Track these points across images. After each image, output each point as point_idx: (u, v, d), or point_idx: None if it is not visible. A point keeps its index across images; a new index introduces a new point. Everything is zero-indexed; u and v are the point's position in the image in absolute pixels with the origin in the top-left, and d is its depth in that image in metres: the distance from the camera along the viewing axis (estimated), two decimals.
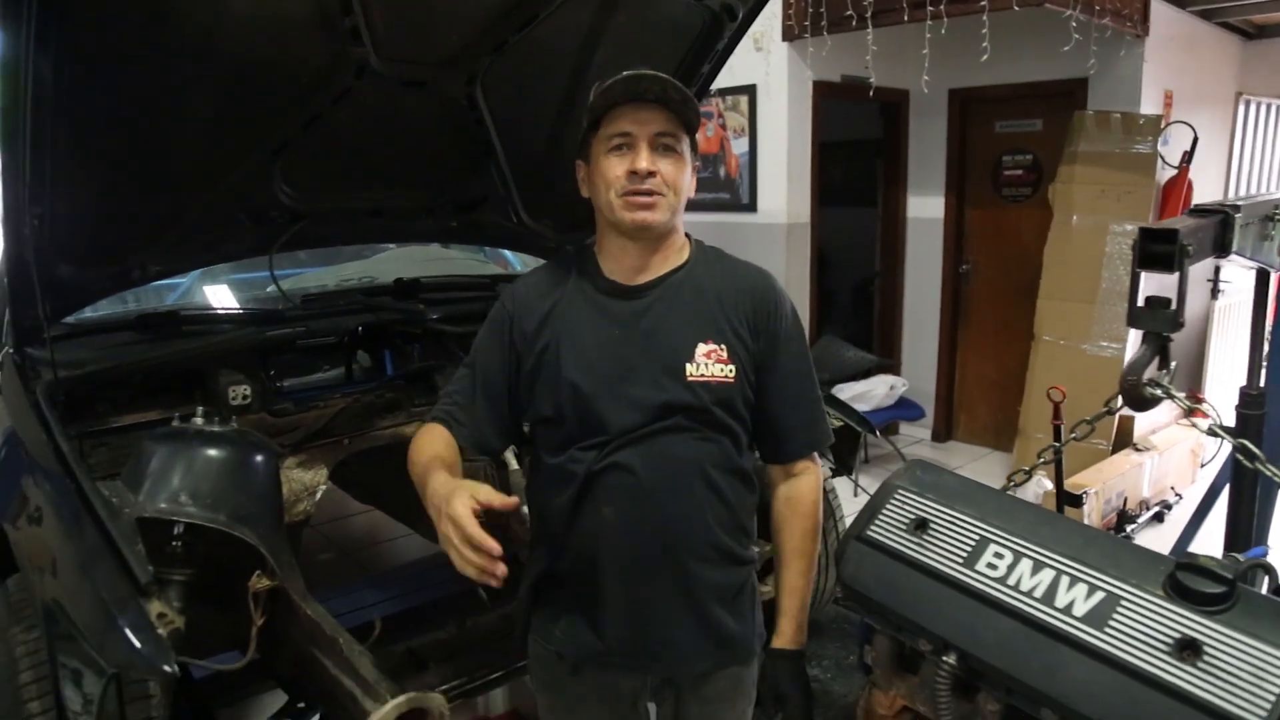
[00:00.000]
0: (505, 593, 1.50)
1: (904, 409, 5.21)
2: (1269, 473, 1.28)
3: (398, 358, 2.56)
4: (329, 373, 2.48)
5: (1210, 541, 2.60)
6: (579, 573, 1.45)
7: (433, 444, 1.44)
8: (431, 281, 2.59)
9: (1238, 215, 1.53)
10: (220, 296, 2.77)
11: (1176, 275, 1.28)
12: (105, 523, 1.36)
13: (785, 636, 1.48)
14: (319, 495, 2.28)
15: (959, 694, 1.42)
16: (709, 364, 1.42)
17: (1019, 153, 5.15)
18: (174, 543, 1.63)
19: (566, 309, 1.46)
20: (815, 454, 1.54)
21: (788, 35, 4.62)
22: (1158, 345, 1.33)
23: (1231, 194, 5.69)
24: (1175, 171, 4.62)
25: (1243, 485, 2.26)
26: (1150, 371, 1.33)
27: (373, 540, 4.34)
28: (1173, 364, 1.35)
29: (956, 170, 5.35)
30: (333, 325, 2.29)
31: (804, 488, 1.51)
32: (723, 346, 1.43)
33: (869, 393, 4.90)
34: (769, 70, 4.72)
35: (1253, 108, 5.67)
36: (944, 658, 1.34)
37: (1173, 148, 4.60)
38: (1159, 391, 1.32)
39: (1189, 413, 1.33)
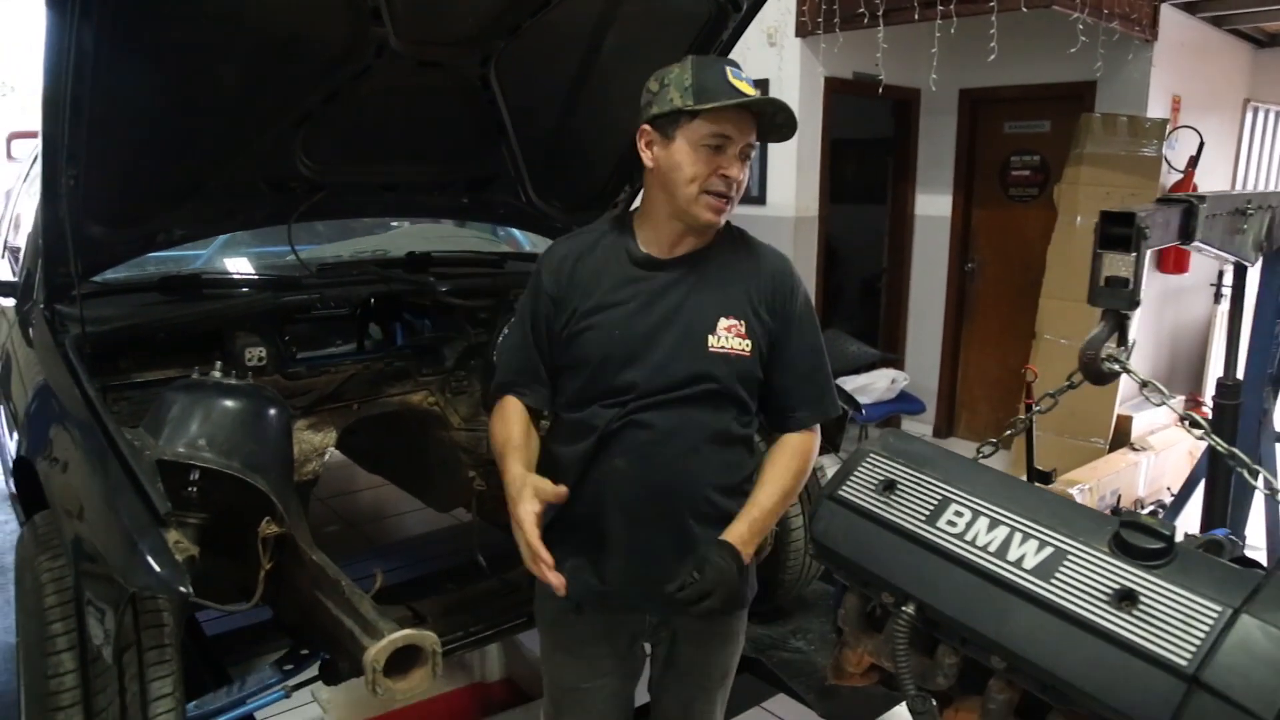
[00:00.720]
0: (506, 561, 1.62)
1: (905, 403, 5.28)
2: (1236, 462, 1.35)
3: (408, 328, 2.66)
4: (341, 345, 2.59)
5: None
6: (587, 519, 1.57)
7: (506, 424, 1.58)
8: (443, 256, 2.69)
9: (1202, 205, 1.62)
10: (240, 265, 2.88)
11: (1134, 256, 1.36)
12: (128, 459, 1.47)
13: (733, 533, 1.54)
14: (327, 456, 2.39)
15: (920, 650, 1.51)
16: (729, 337, 1.54)
17: (1027, 153, 5.21)
18: (189, 488, 1.74)
19: (601, 275, 1.56)
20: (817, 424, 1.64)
21: (801, 31, 4.70)
22: (1116, 322, 1.42)
23: None
24: (1180, 176, 4.67)
25: (1217, 475, 2.34)
26: (1110, 348, 1.41)
27: (379, 514, 4.46)
28: (1131, 340, 1.43)
29: (965, 169, 5.41)
30: (346, 294, 2.40)
31: (799, 437, 1.63)
32: (742, 322, 1.55)
33: (870, 385, 4.98)
34: (782, 65, 4.80)
35: (1260, 115, 5.71)
36: (904, 608, 1.42)
37: (1179, 152, 4.66)
38: (1116, 366, 1.41)
39: (1143, 385, 1.41)
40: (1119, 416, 4.89)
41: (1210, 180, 4.93)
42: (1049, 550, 1.32)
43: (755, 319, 1.57)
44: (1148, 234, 1.37)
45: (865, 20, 4.32)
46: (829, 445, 2.47)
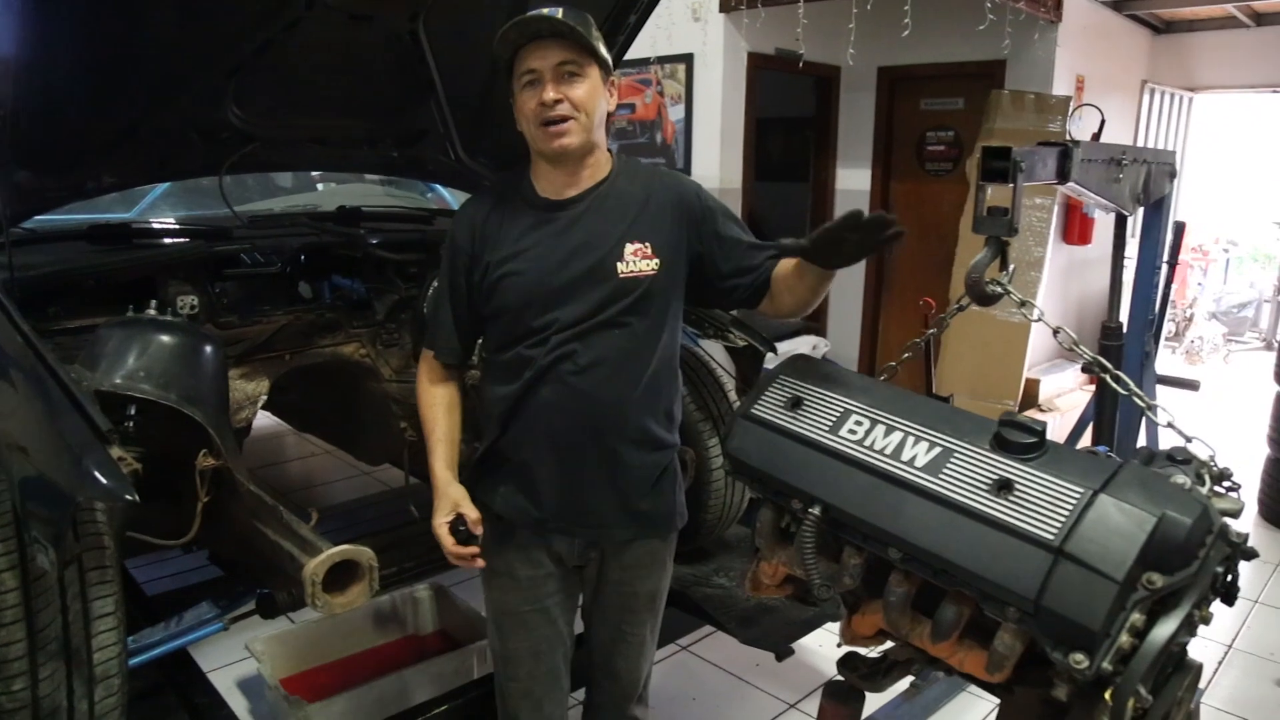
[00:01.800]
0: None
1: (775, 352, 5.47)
2: (1122, 388, 1.51)
3: (335, 290, 2.70)
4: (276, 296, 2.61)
5: None
6: (519, 447, 1.67)
7: (431, 403, 1.72)
8: (373, 211, 2.73)
9: (1077, 149, 1.78)
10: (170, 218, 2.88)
11: (1011, 187, 1.50)
12: (67, 384, 1.51)
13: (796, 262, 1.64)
14: (260, 404, 2.43)
15: (827, 555, 1.64)
16: (636, 261, 1.63)
17: (942, 129, 5.44)
18: (126, 422, 1.77)
19: (509, 225, 1.65)
20: None
21: (724, 7, 4.82)
22: (997, 247, 1.56)
23: None
24: None
25: (1104, 414, 2.54)
26: (992, 273, 1.56)
27: (308, 483, 4.47)
28: (1011, 266, 1.58)
29: (884, 145, 5.62)
30: (279, 244, 2.43)
31: (781, 272, 1.71)
32: (647, 244, 1.64)
33: (792, 352, 5.15)
34: (706, 40, 4.92)
35: (1157, 96, 6.05)
36: (811, 510, 1.55)
37: (1083, 129, 4.91)
38: (998, 288, 1.55)
39: (1021, 304, 1.56)
40: (1028, 380, 5.16)
41: None
42: (938, 450, 1.46)
43: (659, 236, 1.65)
44: (1023, 167, 1.51)
45: None
46: (747, 385, 2.61)
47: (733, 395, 2.59)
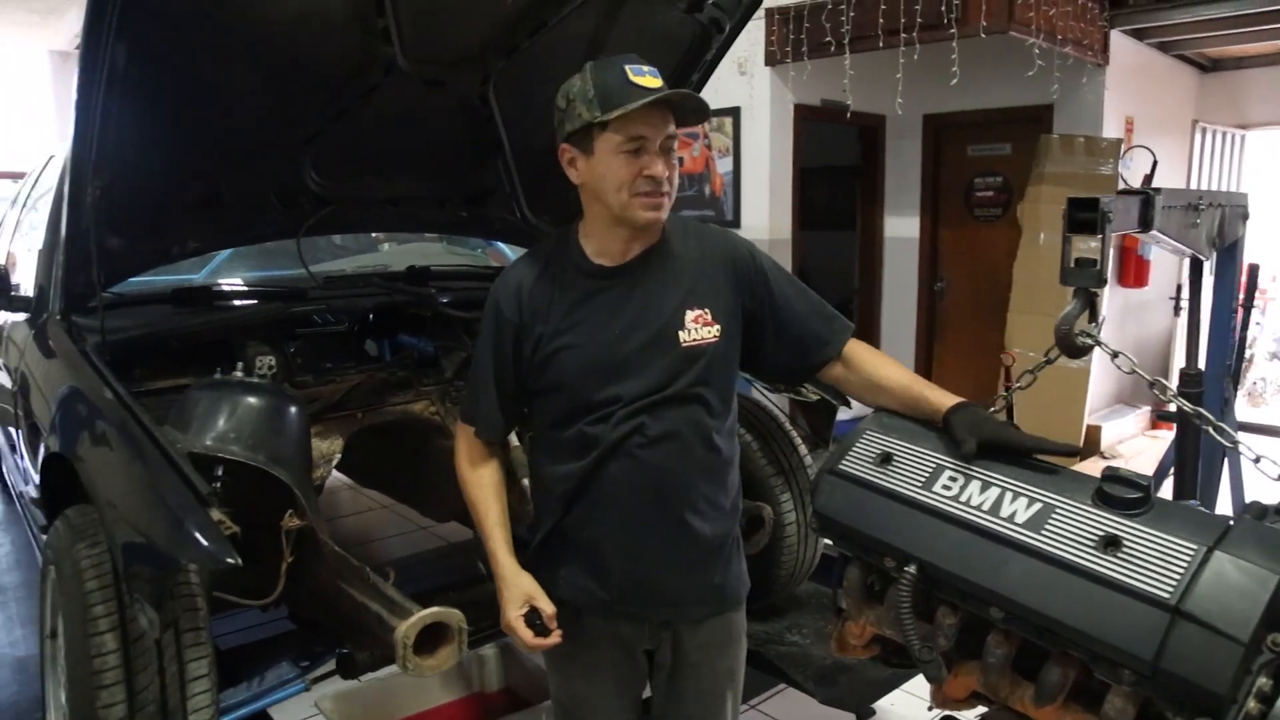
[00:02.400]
0: None
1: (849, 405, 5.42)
2: (1203, 420, 1.48)
3: (396, 348, 2.74)
4: (344, 354, 2.66)
5: None
6: (583, 526, 1.59)
7: (480, 484, 1.65)
8: (442, 270, 2.78)
9: (1158, 196, 1.77)
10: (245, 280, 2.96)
11: (1100, 238, 1.49)
12: (166, 447, 1.54)
13: (937, 400, 1.57)
14: (334, 462, 2.45)
15: (920, 615, 1.61)
16: (698, 329, 1.56)
17: (990, 175, 5.43)
18: (214, 483, 1.80)
19: (559, 295, 1.56)
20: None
21: (770, 60, 4.89)
22: (1086, 299, 1.54)
23: None
24: None
25: (1185, 459, 2.48)
26: (1081, 324, 1.54)
27: (366, 538, 4.48)
28: (1101, 317, 1.56)
29: (931, 192, 5.62)
30: (352, 305, 2.48)
31: (862, 349, 1.68)
32: (707, 310, 1.58)
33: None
34: (752, 93, 4.98)
35: (1209, 135, 5.99)
36: (906, 569, 1.52)
37: (1134, 171, 4.88)
38: (1089, 340, 1.53)
39: (1115, 356, 1.53)
40: (1089, 426, 5.06)
41: None
42: (1038, 505, 1.43)
43: (718, 300, 1.59)
44: (1111, 218, 1.50)
45: (832, 49, 4.52)
46: (818, 439, 2.58)
47: (803, 449, 2.56)
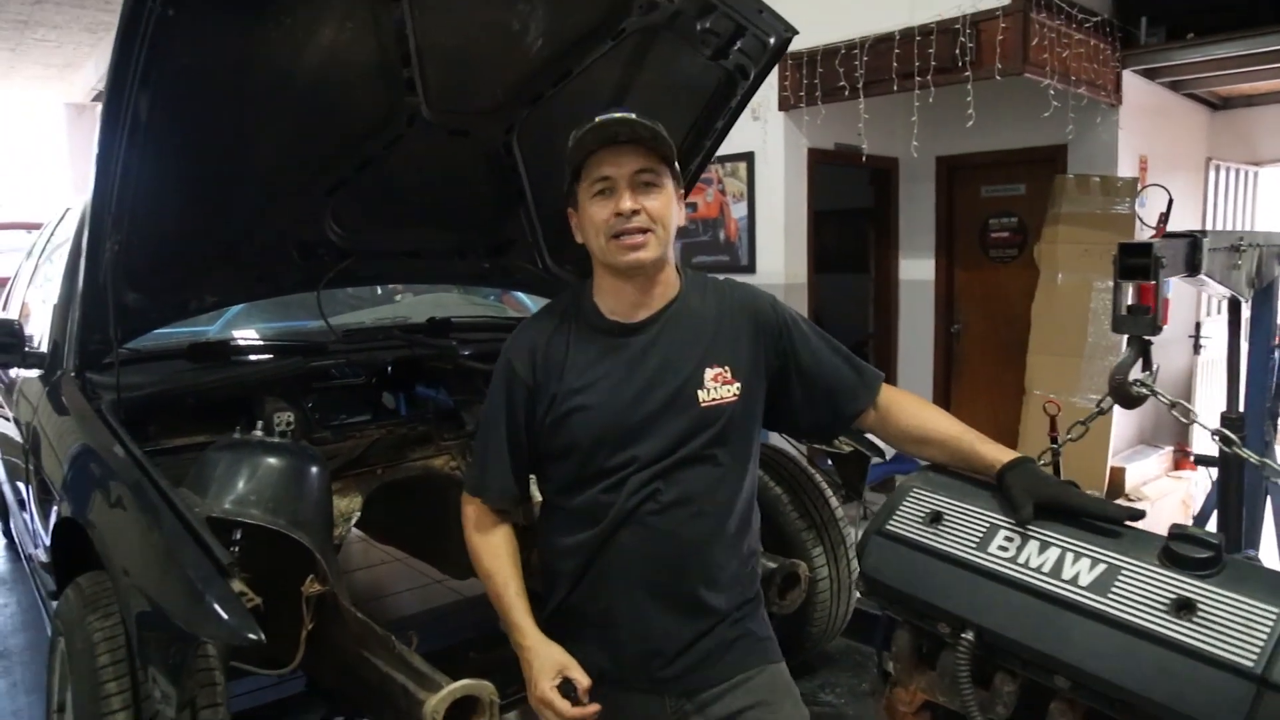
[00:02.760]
0: None
1: (900, 464, 5.31)
2: (1269, 472, 1.41)
3: (412, 401, 2.69)
4: (355, 417, 2.61)
5: None
6: (593, 600, 1.52)
7: (493, 553, 1.55)
8: (462, 321, 2.74)
9: (1205, 239, 1.72)
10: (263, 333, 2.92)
11: (1153, 284, 1.44)
12: (184, 512, 1.48)
13: (992, 455, 1.49)
14: (354, 521, 2.39)
15: (976, 681, 1.52)
16: (718, 387, 1.49)
17: (1004, 215, 5.40)
18: (231, 547, 1.73)
19: (574, 354, 1.50)
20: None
21: (784, 105, 4.89)
22: (1140, 348, 1.49)
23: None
24: (1153, 231, 4.86)
25: (1229, 503, 2.39)
26: (1135, 372, 1.48)
27: (379, 593, 4.39)
28: (1155, 366, 1.50)
29: (945, 233, 5.59)
30: (372, 358, 2.43)
31: (901, 397, 1.61)
32: (726, 368, 1.51)
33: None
34: (766, 138, 4.98)
35: (1222, 172, 5.98)
36: (963, 635, 1.44)
37: (1150, 209, 4.85)
38: (1144, 390, 1.47)
39: (1172, 406, 1.47)
40: (1112, 468, 4.97)
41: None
42: (1102, 567, 1.35)
43: (740, 356, 1.53)
44: (1164, 263, 1.45)
45: (846, 93, 4.52)
46: (851, 492, 2.51)
47: (833, 501, 2.49)
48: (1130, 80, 4.84)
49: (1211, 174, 5.86)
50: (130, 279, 1.93)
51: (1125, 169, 4.87)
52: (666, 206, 1.47)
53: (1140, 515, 1.35)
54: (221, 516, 1.66)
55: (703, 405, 1.49)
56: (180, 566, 1.39)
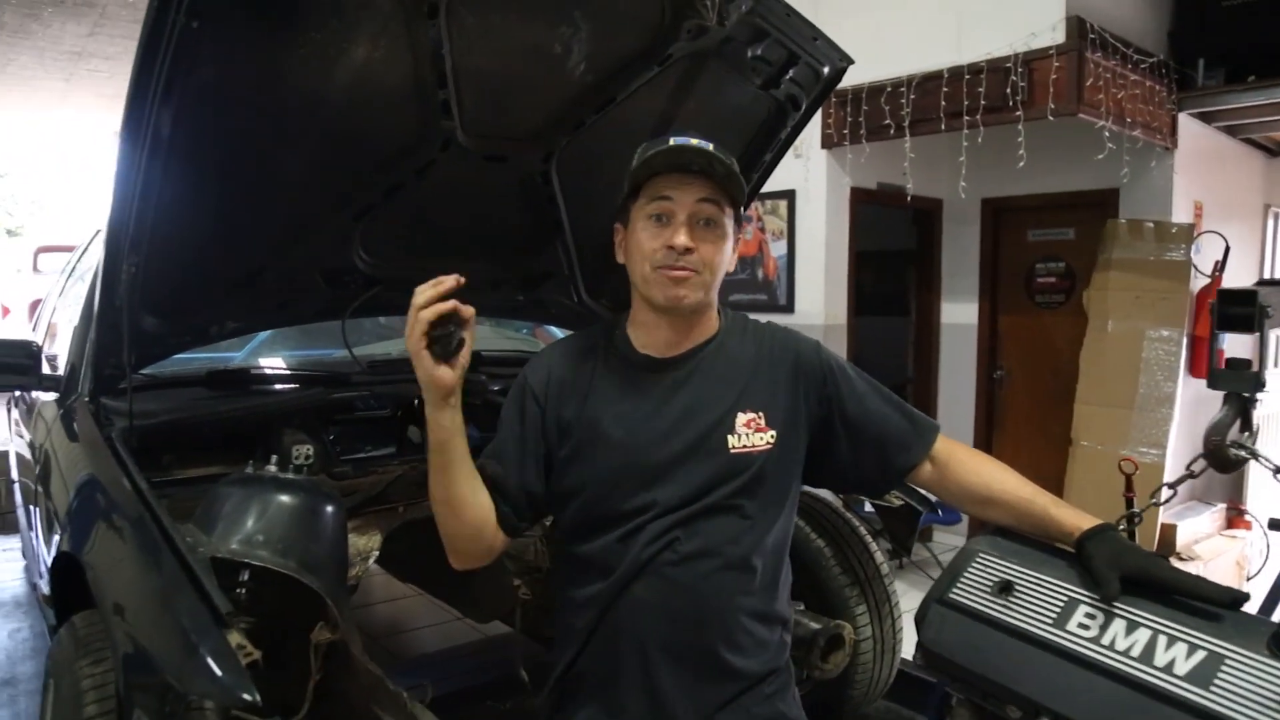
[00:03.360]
0: (548, 676, 1.48)
1: (939, 513, 5.14)
2: None
3: None
4: (377, 449, 2.50)
5: None
6: (601, 660, 1.40)
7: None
8: (492, 355, 2.63)
9: None
10: (285, 362, 2.83)
11: (1256, 336, 1.29)
12: (185, 555, 1.37)
13: (1071, 521, 1.35)
14: (372, 561, 2.27)
15: None
16: (750, 434, 1.39)
17: (1052, 260, 5.24)
18: (238, 589, 1.62)
19: (600, 386, 1.41)
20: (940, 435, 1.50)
21: (827, 143, 4.80)
22: (1240, 407, 1.33)
23: None
24: (1208, 280, 4.68)
25: None
26: (1233, 434, 1.33)
27: (397, 629, 4.27)
28: (1256, 426, 1.35)
29: (989, 277, 5.44)
30: (397, 391, 2.33)
31: (961, 450, 1.48)
32: (762, 414, 1.40)
33: None
34: (808, 176, 4.88)
35: None
36: None
37: (1205, 256, 4.68)
38: (1243, 453, 1.32)
39: (1277, 472, 1.31)
40: (1163, 525, 4.75)
41: (1240, 283, 4.94)
42: (1201, 654, 1.20)
43: (776, 405, 1.42)
44: (1270, 312, 1.31)
45: (891, 131, 4.42)
46: (900, 549, 2.35)
47: (879, 556, 2.33)
48: (1185, 123, 4.70)
49: (1271, 221, 5.68)
50: (147, 302, 1.84)
51: (1180, 215, 4.71)
52: (720, 251, 1.38)
53: (1245, 599, 1.20)
54: (227, 557, 1.55)
55: (732, 451, 1.38)
56: (175, 613, 1.28)
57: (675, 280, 1.34)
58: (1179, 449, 4.75)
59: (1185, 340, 4.64)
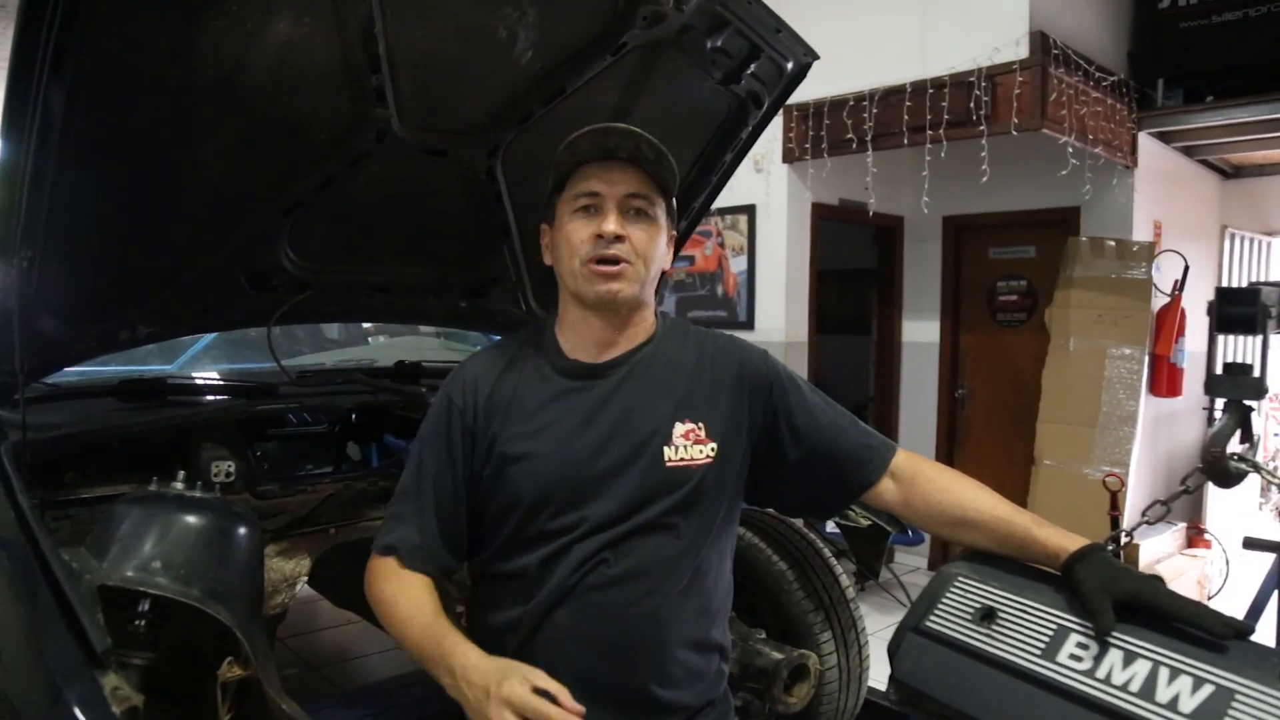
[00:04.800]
0: None
1: (901, 535, 5.04)
2: None
3: (385, 451, 2.42)
4: (314, 469, 2.33)
5: None
6: None
7: (408, 591, 1.27)
8: (433, 367, 2.47)
9: None
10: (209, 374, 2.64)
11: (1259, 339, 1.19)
12: (61, 583, 1.19)
13: (1055, 543, 1.23)
14: (299, 588, 2.09)
15: None
16: (688, 446, 1.29)
17: (1013, 278, 5.21)
18: (137, 620, 1.44)
19: (525, 396, 1.31)
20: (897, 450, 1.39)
21: (788, 157, 4.72)
22: (1240, 415, 1.23)
23: None
24: (1168, 299, 4.67)
25: None
26: (1233, 445, 1.22)
27: (343, 656, 4.07)
28: (1256, 436, 1.24)
29: (951, 295, 5.41)
30: (329, 404, 2.15)
31: (927, 466, 1.37)
32: (700, 425, 1.30)
33: None
34: (769, 191, 4.79)
35: (1238, 241, 5.83)
36: None
37: (1164, 275, 4.68)
38: (1244, 465, 1.21)
39: None
40: (1127, 548, 4.70)
41: (1196, 304, 4.94)
42: (1208, 689, 1.08)
43: (717, 414, 1.32)
44: (1273, 313, 1.20)
45: (854, 146, 4.35)
46: (867, 571, 2.22)
47: (844, 580, 2.20)
48: (1145, 143, 4.71)
49: (1227, 242, 5.72)
50: (45, 302, 1.66)
51: (1140, 233, 4.71)
52: (653, 241, 1.28)
53: (1249, 631, 1.08)
54: (119, 585, 1.37)
55: (668, 465, 1.27)
56: (41, 653, 1.10)
57: (607, 274, 1.26)
58: (1141, 467, 4.72)
59: (1146, 358, 4.62)
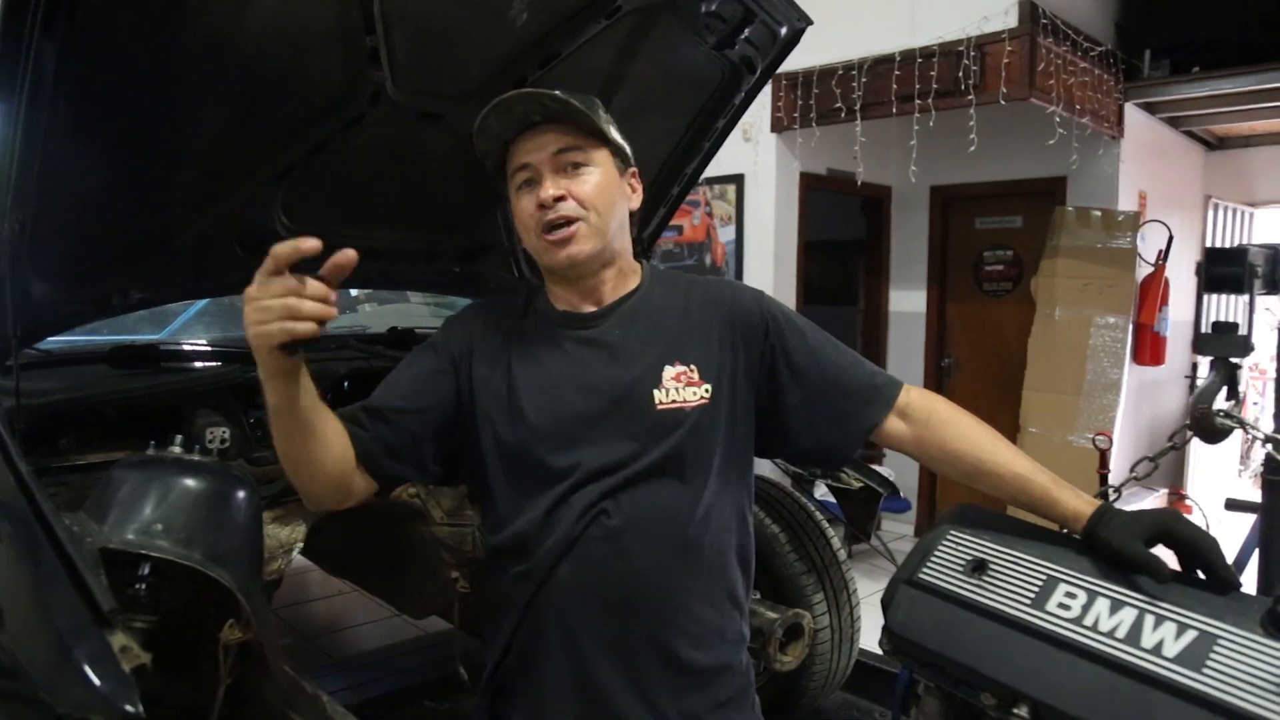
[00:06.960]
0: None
1: (889, 501, 5.10)
2: None
3: None
4: None
5: None
6: (528, 659, 1.26)
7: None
8: (427, 333, 2.47)
9: None
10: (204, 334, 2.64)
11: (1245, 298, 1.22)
12: (64, 545, 1.19)
13: (1071, 505, 1.22)
14: (295, 554, 2.10)
15: None
16: (680, 388, 1.26)
17: (999, 248, 5.25)
18: (138, 584, 1.45)
19: (518, 344, 1.30)
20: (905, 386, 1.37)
21: (776, 126, 4.71)
22: (1226, 373, 1.25)
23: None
24: (1152, 269, 4.71)
25: (1274, 543, 2.16)
26: (1219, 402, 1.25)
27: (335, 626, 4.10)
28: (1242, 393, 1.27)
29: (938, 265, 5.43)
30: (322, 369, 2.15)
31: (943, 407, 1.34)
32: (693, 367, 1.28)
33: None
34: (757, 160, 4.79)
35: (1221, 211, 5.88)
36: (1014, 710, 1.19)
37: (1149, 245, 4.72)
38: (1230, 422, 1.24)
39: (1266, 441, 1.24)
40: None
41: (1180, 274, 4.99)
42: (1192, 634, 1.11)
43: (708, 356, 1.29)
44: (1259, 272, 1.23)
45: (842, 115, 4.34)
46: (859, 533, 2.26)
47: (835, 542, 2.23)
48: (1131, 113, 4.73)
49: (1211, 212, 5.76)
50: (37, 266, 1.64)
51: (1125, 203, 4.74)
52: (598, 188, 1.26)
53: (1238, 585, 1.11)
54: (121, 548, 1.38)
55: (659, 408, 1.24)
56: (49, 614, 1.11)
57: (561, 238, 1.25)
58: (1125, 434, 4.78)
59: (1131, 327, 4.67)
